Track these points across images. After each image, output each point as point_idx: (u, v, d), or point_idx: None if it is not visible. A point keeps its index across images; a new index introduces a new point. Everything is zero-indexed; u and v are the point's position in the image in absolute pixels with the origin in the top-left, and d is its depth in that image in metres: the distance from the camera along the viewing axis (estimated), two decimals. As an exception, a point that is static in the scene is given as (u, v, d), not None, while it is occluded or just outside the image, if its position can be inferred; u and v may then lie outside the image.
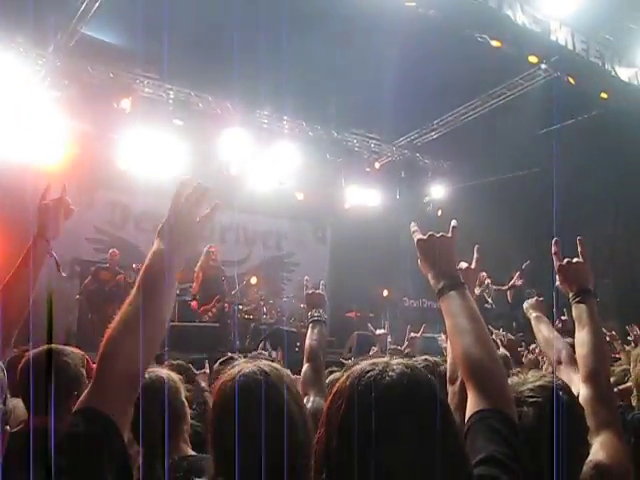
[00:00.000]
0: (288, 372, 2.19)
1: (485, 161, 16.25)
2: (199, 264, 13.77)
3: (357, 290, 17.09)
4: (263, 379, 2.06)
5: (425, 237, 2.34)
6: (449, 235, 2.31)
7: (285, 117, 16.19)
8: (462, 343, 1.96)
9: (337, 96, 15.42)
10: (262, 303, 15.44)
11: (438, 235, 2.32)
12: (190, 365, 5.39)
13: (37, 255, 2.78)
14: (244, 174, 15.99)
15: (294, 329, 14.83)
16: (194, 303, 13.57)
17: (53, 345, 3.20)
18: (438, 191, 18.54)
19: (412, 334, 6.81)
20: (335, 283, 19.63)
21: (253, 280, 15.64)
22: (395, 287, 19.06)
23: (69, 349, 3.34)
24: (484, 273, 16.80)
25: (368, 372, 1.60)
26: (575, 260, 2.84)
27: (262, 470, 1.93)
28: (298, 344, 13.24)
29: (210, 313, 13.38)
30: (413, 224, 2.39)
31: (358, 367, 1.65)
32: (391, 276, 18.84)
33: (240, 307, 14.74)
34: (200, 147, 14.93)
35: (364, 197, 17.97)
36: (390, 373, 1.59)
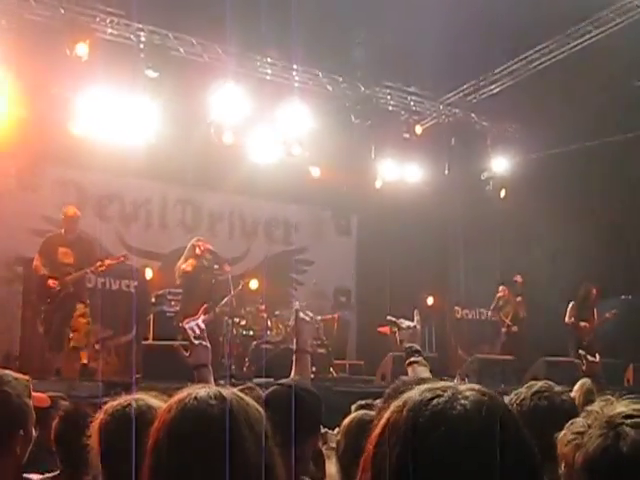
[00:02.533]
0: (255, 405, 2.23)
1: (563, 123, 16.18)
2: (180, 263, 13.79)
3: (392, 297, 17.10)
4: (217, 406, 2.10)
5: None
6: None
7: (295, 66, 16.19)
8: None
9: (365, 37, 15.41)
10: (265, 315, 15.46)
11: None
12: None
13: None
14: (241, 143, 16.00)
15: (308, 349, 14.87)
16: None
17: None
18: (501, 164, 18.48)
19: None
20: (362, 287, 19.73)
21: (253, 284, 15.65)
22: (443, 293, 19.06)
23: (10, 374, 3.37)
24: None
25: (432, 400, 1.57)
26: None
27: None
28: (314, 369, 13.26)
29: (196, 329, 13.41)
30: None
31: (414, 394, 1.61)
32: (438, 278, 18.85)
33: (236, 320, 14.77)
34: (182, 107, 14.96)
35: (401, 173, 17.95)
36: (462, 401, 1.56)
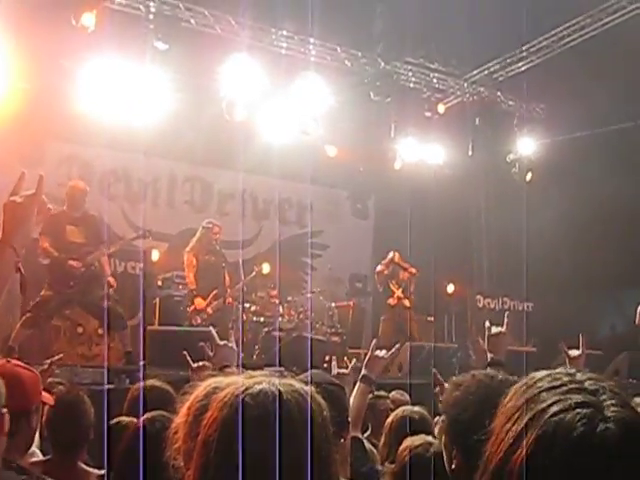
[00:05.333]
0: (318, 400, 2.22)
1: (595, 103, 16.13)
2: (191, 245, 13.78)
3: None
4: (274, 405, 2.07)
5: None
6: None
7: (312, 39, 16.19)
8: None
9: (386, 11, 15.39)
10: (277, 300, 15.50)
11: None
12: (169, 388, 5.45)
13: (2, 266, 2.85)
14: (253, 120, 16.04)
15: (322, 337, 14.88)
16: (198, 300, 13.50)
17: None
18: (527, 145, 18.46)
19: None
20: (380, 274, 19.69)
21: (265, 268, 15.67)
22: (465, 280, 19.07)
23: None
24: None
25: (575, 424, 1.48)
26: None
27: None
28: (327, 358, 13.30)
29: (205, 314, 13.44)
30: None
31: (545, 407, 1.54)
32: (459, 264, 18.85)
33: (246, 306, 14.81)
34: (192, 81, 14.98)
35: (422, 153, 17.95)
36: (610, 415, 1.49)
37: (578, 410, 1.49)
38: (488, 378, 3.31)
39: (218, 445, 2.06)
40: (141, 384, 5.73)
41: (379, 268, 16.24)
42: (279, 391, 2.11)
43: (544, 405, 1.54)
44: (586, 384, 1.57)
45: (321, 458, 2.08)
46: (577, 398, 1.53)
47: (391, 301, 15.98)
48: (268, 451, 2.00)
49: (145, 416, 4.01)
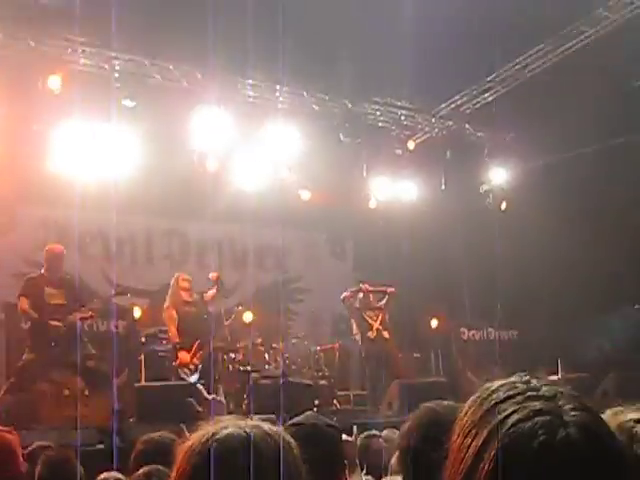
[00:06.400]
0: (289, 442, 2.19)
1: (562, 129, 16.23)
2: (168, 300, 13.69)
3: (393, 321, 17.07)
4: (243, 450, 2.05)
5: None
6: None
7: (279, 86, 16.24)
8: None
9: (350, 53, 15.47)
10: (262, 348, 15.42)
11: None
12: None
13: None
14: (226, 169, 16.05)
15: (308, 381, 14.82)
16: (182, 354, 13.39)
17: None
18: (499, 175, 18.52)
19: None
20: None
21: (247, 317, 15.63)
22: (448, 314, 19.04)
23: None
24: None
25: (538, 430, 1.48)
26: None
27: None
28: (316, 402, 13.27)
29: (192, 365, 13.35)
30: None
31: (504, 418, 1.53)
32: (441, 298, 18.83)
33: (231, 356, 14.74)
34: (162, 136, 14.96)
35: (395, 191, 17.97)
36: (569, 419, 1.49)
37: (537, 418, 1.48)
38: (436, 405, 3.40)
39: None
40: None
41: (345, 294, 16.07)
42: (247, 433, 2.09)
43: (502, 416, 1.53)
44: (543, 390, 1.57)
45: None
46: (535, 405, 1.52)
47: (370, 334, 15.66)
48: None
49: (141, 470, 4.02)
